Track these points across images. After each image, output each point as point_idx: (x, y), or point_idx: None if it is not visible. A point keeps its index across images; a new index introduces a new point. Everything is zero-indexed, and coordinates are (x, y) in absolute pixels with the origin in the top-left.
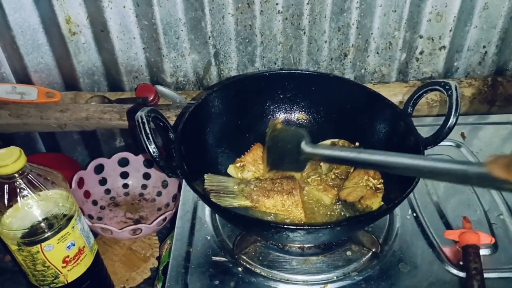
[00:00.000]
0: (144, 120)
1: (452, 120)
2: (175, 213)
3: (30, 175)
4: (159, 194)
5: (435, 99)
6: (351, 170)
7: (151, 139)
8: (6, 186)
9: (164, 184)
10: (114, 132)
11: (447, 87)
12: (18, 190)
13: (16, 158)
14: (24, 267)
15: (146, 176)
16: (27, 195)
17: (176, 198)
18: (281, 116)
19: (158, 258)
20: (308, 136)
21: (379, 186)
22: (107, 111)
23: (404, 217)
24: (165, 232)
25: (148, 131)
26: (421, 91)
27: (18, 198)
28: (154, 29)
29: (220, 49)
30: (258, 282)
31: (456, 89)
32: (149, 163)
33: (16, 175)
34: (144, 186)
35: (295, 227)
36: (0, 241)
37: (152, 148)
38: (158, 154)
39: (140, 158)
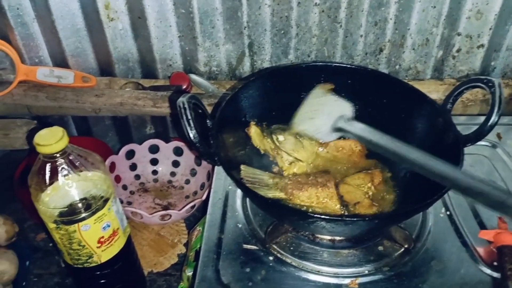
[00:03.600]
0: (186, 105)
1: (494, 118)
2: (204, 201)
3: (71, 155)
4: (187, 182)
5: (470, 98)
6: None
7: (192, 125)
8: (48, 165)
9: (193, 173)
10: (145, 119)
11: (490, 84)
12: (59, 169)
13: (59, 138)
14: (60, 246)
15: (175, 163)
16: (67, 175)
17: (204, 186)
18: None
19: (186, 245)
20: (352, 111)
21: (378, 198)
22: (141, 98)
23: (437, 215)
24: (193, 219)
25: (190, 117)
26: (462, 88)
27: (59, 177)
28: (190, 18)
29: (255, 40)
30: (289, 272)
31: (499, 86)
32: (178, 150)
33: (58, 154)
34: (173, 174)
35: (333, 217)
36: (33, 220)
37: (192, 133)
38: (198, 140)
39: (170, 145)
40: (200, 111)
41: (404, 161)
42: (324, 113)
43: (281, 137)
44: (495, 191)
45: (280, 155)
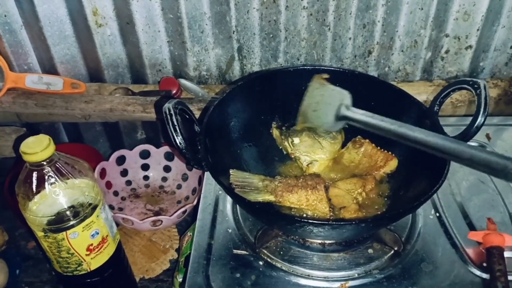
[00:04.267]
0: (172, 111)
1: (480, 119)
2: (195, 206)
3: (58, 163)
4: (179, 187)
5: (459, 99)
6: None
7: (178, 131)
8: (34, 173)
9: (184, 177)
10: (136, 124)
11: (475, 86)
12: (46, 177)
13: (45, 146)
14: (49, 254)
15: (167, 168)
16: (54, 183)
17: (195, 191)
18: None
19: (178, 250)
20: (351, 98)
21: (366, 203)
22: (131, 103)
23: (427, 216)
24: (185, 224)
25: (176, 123)
26: (449, 90)
27: (46, 185)
28: (179, 23)
29: (244, 44)
30: (279, 277)
31: (485, 88)
32: (169, 156)
33: (45, 162)
34: (164, 179)
35: (319, 221)
36: (24, 228)
37: (179, 139)
38: (185, 146)
39: (161, 150)
40: (187, 116)
41: (407, 140)
42: (325, 103)
43: (296, 140)
44: (499, 159)
45: (298, 157)
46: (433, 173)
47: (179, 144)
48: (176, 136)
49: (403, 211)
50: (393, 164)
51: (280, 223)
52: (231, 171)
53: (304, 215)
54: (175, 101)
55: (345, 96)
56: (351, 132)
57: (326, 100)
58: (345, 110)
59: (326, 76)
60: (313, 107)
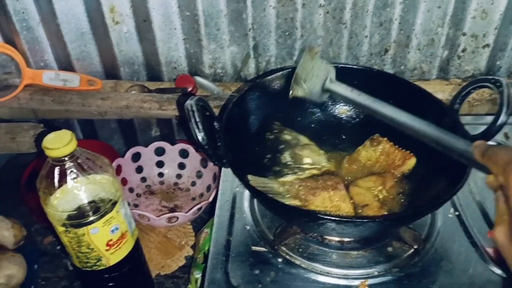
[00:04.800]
0: (194, 108)
1: (503, 118)
2: (210, 203)
3: (80, 158)
4: (193, 184)
5: (476, 97)
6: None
7: (200, 127)
8: (56, 169)
9: (199, 175)
10: (150, 121)
11: (498, 84)
12: (67, 172)
13: (67, 141)
14: (69, 249)
15: (181, 166)
16: (76, 178)
17: (210, 188)
18: (322, 109)
19: (193, 247)
20: (334, 72)
21: (388, 201)
22: (147, 101)
23: (446, 215)
24: (200, 221)
25: (198, 119)
26: (470, 88)
27: (68, 180)
28: (195, 20)
29: (260, 41)
30: (298, 274)
31: (507, 86)
32: (184, 153)
33: (67, 158)
34: (179, 176)
35: (343, 218)
36: (41, 223)
37: (201, 136)
38: (207, 142)
39: (176, 148)
40: (207, 113)
41: (378, 115)
42: (314, 75)
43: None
44: (448, 137)
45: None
46: (455, 170)
47: (201, 141)
48: (198, 132)
49: (428, 208)
50: (411, 163)
51: (303, 220)
52: (249, 176)
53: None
54: (196, 98)
55: (331, 70)
56: (368, 129)
57: (315, 72)
58: (329, 83)
59: (318, 49)
60: (303, 77)
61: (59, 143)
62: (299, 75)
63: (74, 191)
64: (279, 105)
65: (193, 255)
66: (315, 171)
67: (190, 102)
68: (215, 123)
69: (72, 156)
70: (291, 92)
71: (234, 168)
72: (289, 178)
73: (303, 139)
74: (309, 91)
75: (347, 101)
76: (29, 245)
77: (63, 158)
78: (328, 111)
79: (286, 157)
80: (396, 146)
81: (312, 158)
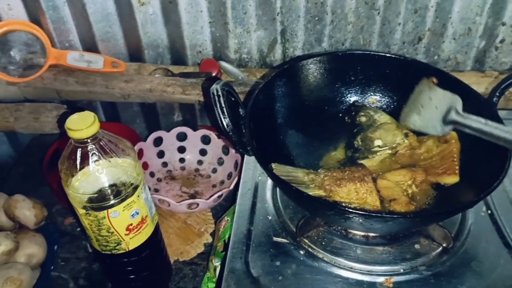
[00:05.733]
0: (220, 93)
1: None
2: (231, 191)
3: (102, 141)
4: (214, 171)
5: None
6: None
7: (226, 113)
8: (78, 150)
9: (220, 162)
10: (173, 106)
11: None
12: (90, 154)
13: (90, 123)
14: (89, 232)
15: (203, 152)
16: (98, 160)
17: (231, 176)
18: (352, 98)
19: (212, 234)
20: (461, 103)
21: (417, 196)
22: (170, 84)
23: (478, 213)
24: (220, 209)
25: (223, 104)
26: (510, 80)
27: (90, 162)
28: (222, 3)
29: (288, 26)
30: (320, 267)
31: None
32: (206, 139)
33: (89, 140)
34: (200, 162)
35: (372, 213)
36: (62, 204)
37: (226, 121)
38: (232, 128)
39: (198, 133)
40: (233, 99)
41: None
42: (431, 107)
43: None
44: None
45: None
46: (491, 168)
47: (226, 127)
48: (224, 118)
49: (461, 207)
50: (451, 179)
51: (329, 212)
52: (273, 165)
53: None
54: (222, 83)
55: (456, 101)
56: None
57: (434, 104)
58: (455, 115)
59: (435, 80)
60: (417, 111)
61: (82, 124)
62: (410, 107)
63: (96, 173)
64: (306, 93)
65: (212, 243)
66: (388, 151)
67: (216, 87)
68: (240, 110)
69: (95, 138)
70: (399, 124)
71: (258, 156)
72: (362, 162)
73: (381, 118)
74: (425, 124)
75: (479, 133)
76: (50, 226)
77: (85, 140)
78: (357, 101)
79: (358, 141)
80: (457, 155)
81: (384, 138)
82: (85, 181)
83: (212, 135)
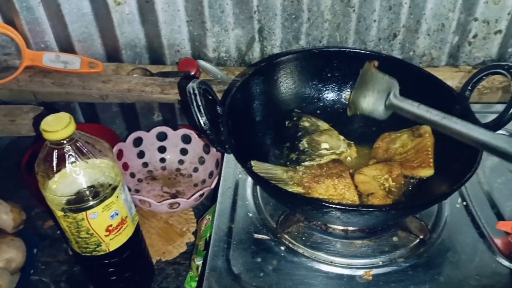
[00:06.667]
0: (196, 91)
1: None
2: (212, 190)
3: (79, 142)
4: (195, 170)
5: (486, 85)
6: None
7: (203, 111)
8: (54, 152)
9: (201, 161)
10: (152, 106)
11: (511, 70)
12: (66, 156)
13: (66, 124)
14: (68, 234)
15: (183, 151)
16: (75, 162)
17: (212, 175)
18: (329, 95)
19: (195, 233)
20: (398, 87)
21: (393, 190)
22: (149, 84)
23: (454, 205)
24: (202, 208)
25: (200, 103)
26: (482, 74)
27: (66, 164)
28: (199, 2)
29: (265, 24)
30: (301, 262)
31: None
32: (186, 138)
33: (65, 141)
34: (181, 162)
35: (348, 207)
36: (41, 207)
37: (203, 120)
38: (209, 127)
39: (178, 133)
40: (210, 97)
41: (448, 131)
42: (375, 91)
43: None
44: None
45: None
46: (464, 160)
47: (203, 125)
48: (201, 116)
49: (434, 199)
50: (426, 172)
51: (307, 208)
52: (252, 162)
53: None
54: (199, 81)
55: (394, 85)
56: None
57: (376, 88)
58: (394, 99)
59: (376, 63)
60: (364, 94)
61: (58, 125)
62: (358, 92)
63: (73, 175)
64: (283, 90)
65: (195, 242)
66: (334, 156)
67: (192, 85)
68: (218, 108)
69: (71, 139)
70: (349, 110)
71: (236, 154)
72: (306, 164)
73: (323, 125)
74: (371, 109)
75: (412, 116)
76: (29, 229)
77: (61, 141)
78: (334, 98)
79: (304, 143)
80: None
81: (330, 143)
82: (62, 183)
83: (193, 134)
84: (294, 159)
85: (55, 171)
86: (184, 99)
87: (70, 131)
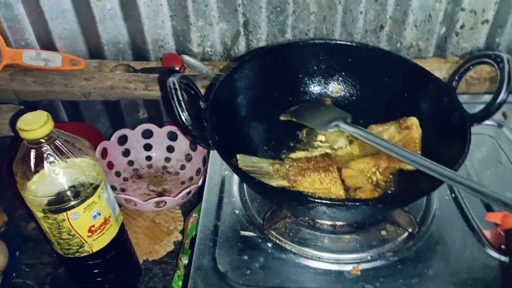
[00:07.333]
0: (177, 86)
1: (503, 95)
2: (200, 187)
3: (57, 140)
4: (182, 167)
5: (474, 76)
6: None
7: (184, 106)
8: (32, 152)
9: (188, 158)
10: (137, 103)
11: (498, 59)
12: (45, 155)
13: (43, 122)
14: (49, 235)
15: (170, 149)
16: (54, 162)
17: (200, 172)
18: (316, 88)
19: (182, 232)
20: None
21: (381, 183)
22: (132, 80)
23: (442, 198)
24: (189, 206)
25: (181, 97)
26: (469, 64)
27: (45, 164)
28: None
29: (250, 18)
30: (288, 259)
31: (508, 62)
32: (173, 135)
33: (43, 140)
34: (167, 159)
35: (334, 202)
36: (24, 209)
37: (184, 115)
38: (191, 122)
39: (164, 130)
40: (192, 92)
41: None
42: (322, 114)
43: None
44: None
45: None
46: (452, 152)
47: (184, 121)
48: (182, 111)
49: (424, 191)
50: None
51: (293, 203)
52: (238, 156)
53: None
54: (180, 75)
55: (347, 116)
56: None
57: (325, 113)
58: (342, 123)
59: (329, 101)
60: (308, 113)
61: (35, 124)
62: (303, 109)
63: (52, 175)
64: (269, 84)
65: (182, 240)
66: (328, 150)
67: (172, 79)
68: (201, 103)
69: (49, 138)
70: (284, 116)
71: (220, 150)
72: (299, 154)
73: None
74: (310, 122)
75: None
76: (12, 231)
77: (39, 140)
78: (320, 91)
79: (303, 132)
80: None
81: (328, 136)
82: (41, 183)
83: (179, 131)
84: (291, 145)
85: (33, 171)
86: (166, 95)
87: (47, 130)
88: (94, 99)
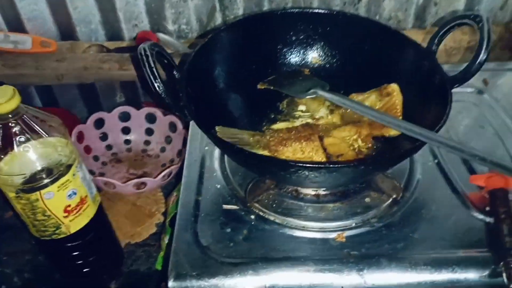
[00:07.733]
0: (148, 52)
1: (482, 55)
2: (181, 168)
3: (25, 116)
4: (163, 150)
5: (453, 46)
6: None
7: (156, 74)
8: (0, 129)
9: (168, 140)
10: (114, 86)
11: (477, 19)
12: (13, 132)
13: (9, 97)
14: (23, 217)
15: (149, 131)
16: (23, 138)
17: (180, 153)
18: (295, 59)
19: (164, 214)
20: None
21: (363, 150)
22: (106, 60)
23: (426, 164)
24: (170, 188)
25: (153, 65)
26: (448, 26)
27: (14, 142)
28: None
29: None
30: (272, 230)
31: (487, 21)
32: (151, 118)
33: (10, 116)
34: (147, 142)
35: (316, 165)
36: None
37: (157, 83)
38: (164, 90)
39: (142, 112)
40: (166, 61)
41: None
42: (300, 81)
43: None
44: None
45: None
46: (433, 116)
47: (157, 89)
48: (154, 79)
49: (405, 152)
50: (394, 131)
51: (274, 169)
52: (216, 128)
53: None
54: (151, 42)
55: (325, 84)
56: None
57: (304, 81)
58: (320, 90)
59: (307, 71)
60: (286, 81)
61: (0, 99)
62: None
63: (22, 153)
64: (247, 55)
65: (164, 222)
66: (309, 120)
67: (143, 46)
68: (175, 73)
69: (17, 113)
70: (261, 84)
71: (197, 120)
72: (280, 125)
73: None
74: (289, 90)
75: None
76: None
77: (6, 116)
78: (299, 62)
79: (284, 104)
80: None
81: (309, 106)
82: (11, 162)
83: (158, 112)
84: (272, 117)
85: (2, 150)
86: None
87: (14, 105)
88: (68, 83)
